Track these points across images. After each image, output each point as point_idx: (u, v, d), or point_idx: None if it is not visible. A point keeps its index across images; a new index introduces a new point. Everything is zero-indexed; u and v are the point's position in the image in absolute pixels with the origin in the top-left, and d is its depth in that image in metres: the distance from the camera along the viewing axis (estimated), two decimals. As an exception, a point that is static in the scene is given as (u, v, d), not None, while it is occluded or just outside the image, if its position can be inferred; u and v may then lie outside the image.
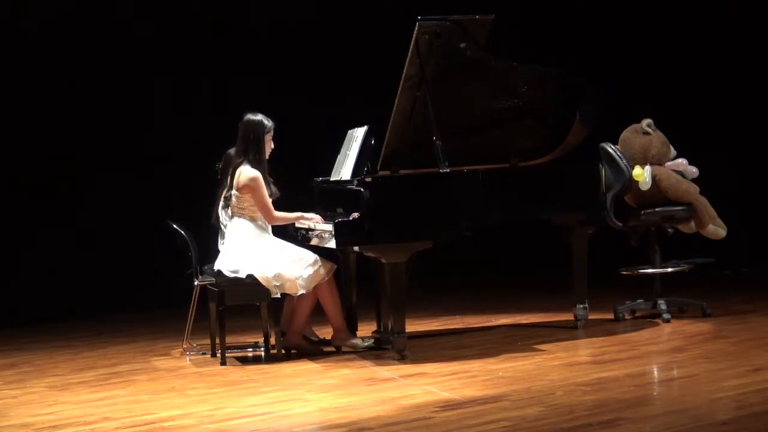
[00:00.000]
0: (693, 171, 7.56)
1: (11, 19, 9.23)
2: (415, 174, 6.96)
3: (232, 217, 6.83)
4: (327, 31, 10.01)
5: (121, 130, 9.50)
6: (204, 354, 7.09)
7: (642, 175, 7.29)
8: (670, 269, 7.54)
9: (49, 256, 9.26)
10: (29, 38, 9.28)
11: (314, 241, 6.80)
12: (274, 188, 6.85)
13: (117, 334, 8.28)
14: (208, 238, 7.11)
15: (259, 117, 6.85)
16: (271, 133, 6.87)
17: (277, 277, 6.61)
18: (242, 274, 6.61)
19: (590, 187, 7.08)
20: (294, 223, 6.99)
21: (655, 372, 6.00)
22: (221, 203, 6.95)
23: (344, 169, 6.92)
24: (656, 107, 8.33)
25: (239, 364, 6.74)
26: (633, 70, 10.38)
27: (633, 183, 7.31)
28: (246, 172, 6.75)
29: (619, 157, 7.30)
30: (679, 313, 7.57)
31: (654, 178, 7.36)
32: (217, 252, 6.88)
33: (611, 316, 7.56)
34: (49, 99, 9.30)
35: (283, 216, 6.85)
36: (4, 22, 9.20)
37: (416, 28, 6.61)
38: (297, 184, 7.28)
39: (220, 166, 7.03)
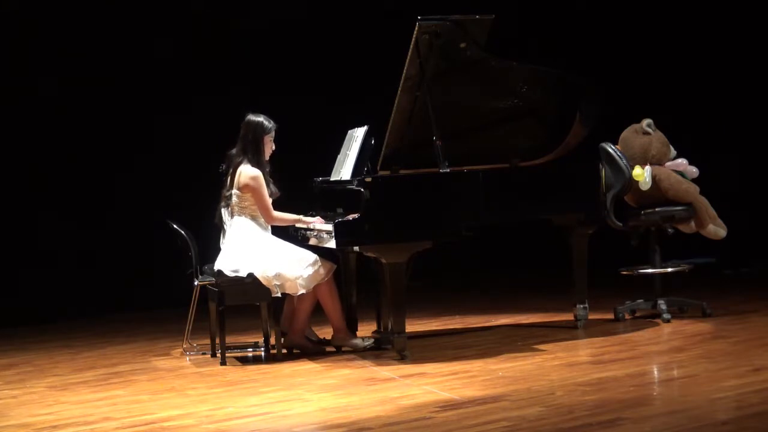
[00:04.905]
0: (693, 171, 7.56)
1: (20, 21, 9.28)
2: (415, 174, 6.96)
3: (232, 215, 6.84)
4: (327, 31, 10.01)
5: (120, 131, 9.50)
6: (204, 354, 7.09)
7: (642, 175, 7.29)
8: (670, 269, 7.54)
9: (49, 256, 9.26)
10: (29, 40, 9.30)
11: (313, 241, 6.80)
12: (273, 188, 6.85)
13: (117, 334, 8.28)
14: (208, 238, 7.11)
15: (260, 118, 6.85)
16: (272, 134, 6.87)
17: (277, 276, 6.61)
18: (243, 273, 6.61)
19: (590, 187, 7.09)
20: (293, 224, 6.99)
21: (655, 372, 6.00)
22: (222, 203, 6.95)
23: (344, 169, 6.92)
24: (656, 107, 8.33)
25: (239, 364, 6.74)
26: (633, 70, 10.39)
27: (633, 183, 7.32)
28: (247, 171, 6.75)
29: (619, 157, 7.31)
30: (679, 313, 7.58)
31: (654, 178, 7.36)
32: (218, 252, 6.87)
33: (611, 316, 7.57)
34: (49, 99, 9.31)
35: (282, 217, 6.85)
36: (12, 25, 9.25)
37: (416, 28, 6.61)
38: (297, 184, 7.28)
39: (224, 167, 7.02)
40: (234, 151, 6.89)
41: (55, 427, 5.28)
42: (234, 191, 6.79)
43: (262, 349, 6.86)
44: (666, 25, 10.47)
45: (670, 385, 5.65)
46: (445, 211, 6.56)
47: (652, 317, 7.48)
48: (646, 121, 7.51)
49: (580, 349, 6.69)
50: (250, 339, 7.42)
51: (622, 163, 7.29)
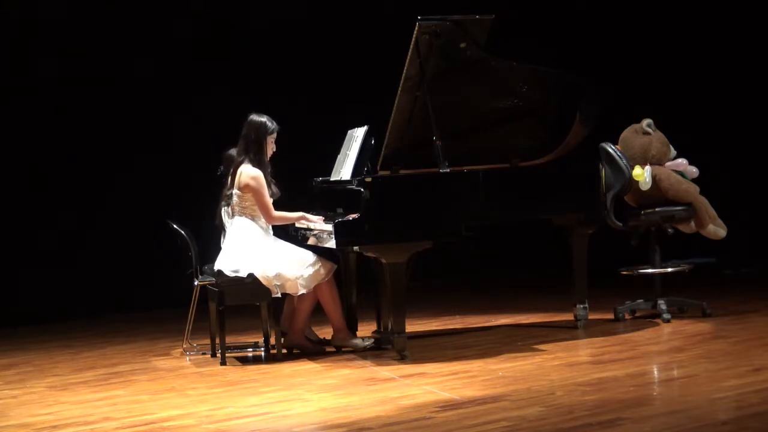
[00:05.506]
0: (693, 171, 7.56)
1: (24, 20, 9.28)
2: (415, 174, 6.96)
3: (233, 215, 6.84)
4: (327, 32, 10.01)
5: (120, 131, 9.50)
6: (204, 354, 7.09)
7: (642, 175, 7.29)
8: (670, 269, 7.54)
9: (48, 257, 9.26)
10: (29, 40, 9.31)
11: (312, 241, 6.80)
12: (274, 188, 6.85)
13: (117, 334, 8.28)
14: (208, 238, 7.11)
15: (264, 119, 6.84)
16: (274, 135, 6.87)
17: (277, 276, 6.61)
18: (243, 273, 6.61)
19: (590, 187, 7.09)
20: (294, 223, 6.99)
21: (655, 372, 6.00)
22: (222, 202, 6.95)
23: (344, 169, 6.92)
24: (656, 107, 8.33)
25: (239, 364, 6.74)
26: (633, 70, 10.38)
27: (633, 183, 7.32)
28: (247, 171, 6.75)
29: (619, 157, 7.31)
30: (679, 313, 7.58)
31: (654, 178, 7.36)
32: (218, 252, 6.87)
33: (611, 316, 7.56)
34: (49, 99, 9.31)
35: (283, 216, 6.85)
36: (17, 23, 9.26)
37: (416, 28, 6.61)
38: (297, 184, 7.28)
39: (222, 169, 7.02)
40: (234, 150, 6.89)
41: (55, 427, 5.28)
42: (234, 191, 6.78)
43: (262, 349, 6.86)
44: (666, 24, 10.47)
45: (670, 385, 5.65)
46: (445, 211, 6.56)
47: (652, 317, 7.48)
48: (646, 121, 7.51)
49: (580, 349, 6.69)
50: (250, 339, 7.42)
51: (622, 163, 7.29)
